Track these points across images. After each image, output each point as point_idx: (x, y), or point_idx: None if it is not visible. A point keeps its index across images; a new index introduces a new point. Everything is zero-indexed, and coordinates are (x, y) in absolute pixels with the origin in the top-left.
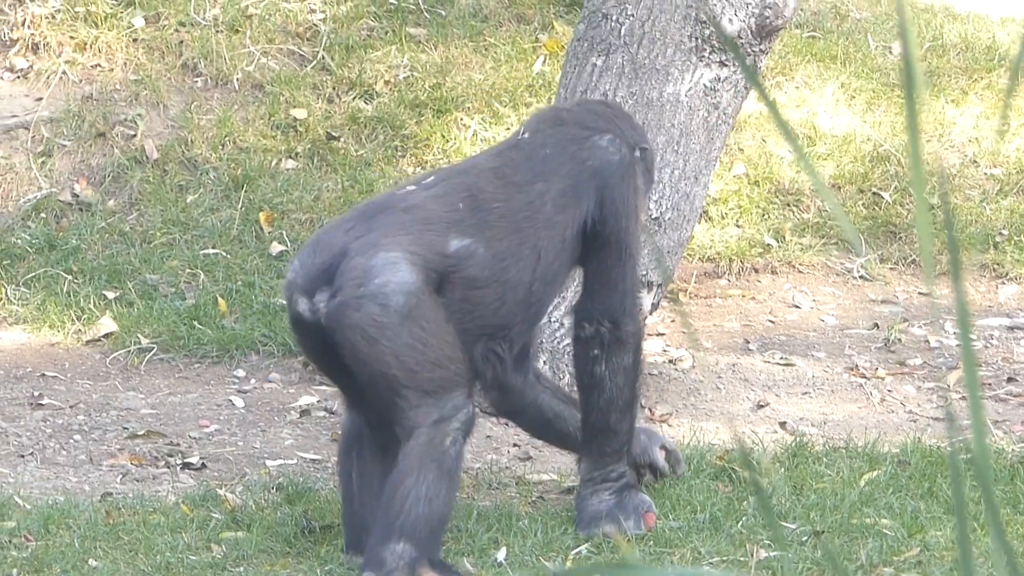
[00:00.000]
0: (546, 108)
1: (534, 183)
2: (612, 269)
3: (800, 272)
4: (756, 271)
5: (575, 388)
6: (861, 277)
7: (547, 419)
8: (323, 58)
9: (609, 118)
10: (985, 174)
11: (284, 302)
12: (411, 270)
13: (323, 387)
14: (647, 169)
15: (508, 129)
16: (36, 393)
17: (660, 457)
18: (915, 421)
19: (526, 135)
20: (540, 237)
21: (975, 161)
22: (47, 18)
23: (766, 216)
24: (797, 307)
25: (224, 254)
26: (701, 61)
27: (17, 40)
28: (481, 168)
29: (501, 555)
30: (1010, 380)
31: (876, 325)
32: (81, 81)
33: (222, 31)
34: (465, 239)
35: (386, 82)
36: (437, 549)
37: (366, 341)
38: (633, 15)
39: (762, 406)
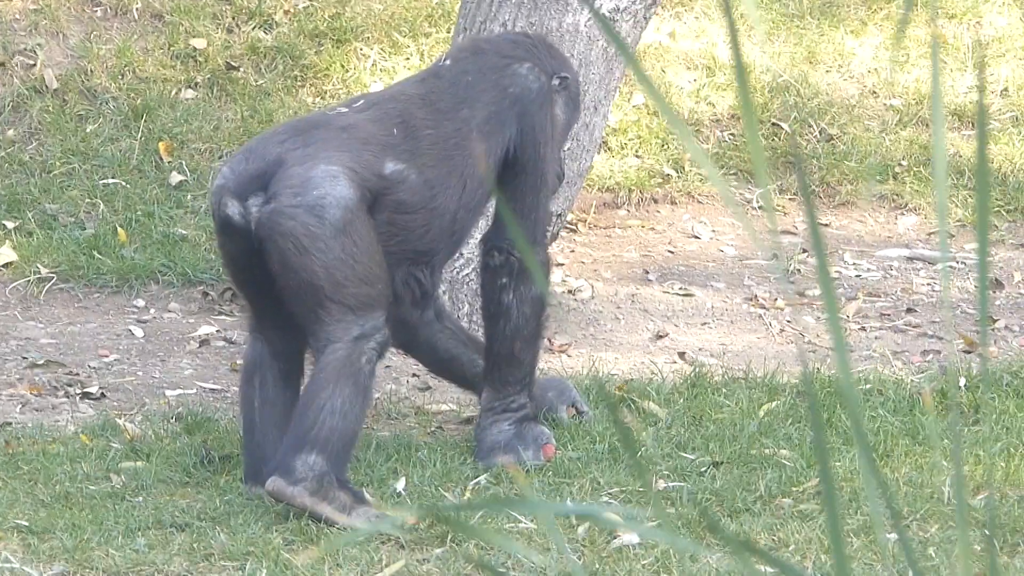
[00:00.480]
0: (465, 39)
1: (459, 109)
2: (526, 197)
3: (699, 203)
4: (655, 201)
5: (475, 320)
6: (760, 208)
7: (442, 360)
8: None
9: (528, 47)
10: (884, 105)
11: (211, 206)
12: (349, 185)
13: (223, 317)
14: (571, 98)
15: (408, 59)
16: None
17: (566, 415)
18: (814, 352)
19: (447, 62)
20: (467, 165)
21: (874, 92)
22: None
23: (665, 146)
24: (696, 237)
25: (124, 184)
26: None
27: None
28: (409, 95)
29: (400, 485)
30: (909, 311)
31: (775, 256)
32: None
33: None
34: (399, 163)
35: (286, 12)
36: (345, 466)
37: (298, 250)
38: None
39: (661, 336)
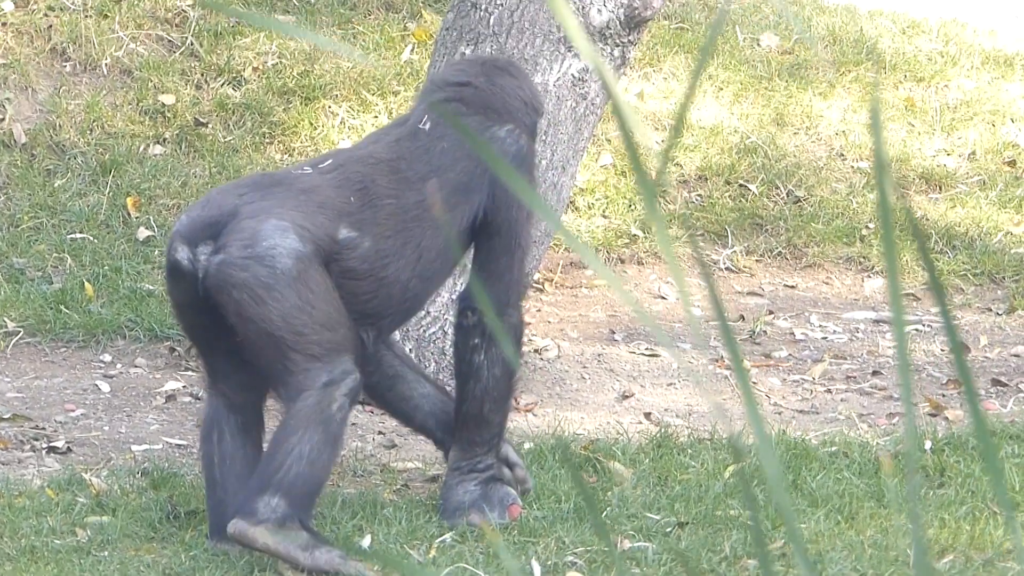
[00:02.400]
0: (450, 86)
1: (426, 179)
2: (499, 258)
3: (666, 263)
4: (622, 261)
5: (442, 377)
6: (727, 269)
7: (388, 376)
8: (192, 44)
9: (513, 93)
10: (852, 167)
11: (166, 253)
12: (299, 239)
13: (189, 373)
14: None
15: (376, 117)
16: None
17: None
18: (780, 413)
19: (427, 126)
20: (425, 236)
21: (842, 154)
22: None
23: (632, 207)
24: (663, 298)
25: (91, 239)
26: (570, 51)
27: None
28: (377, 159)
29: (365, 542)
30: (875, 373)
31: (742, 317)
32: None
33: (91, 16)
34: (353, 231)
35: (254, 69)
36: (310, 513)
37: (253, 301)
38: (502, 5)
39: (627, 396)
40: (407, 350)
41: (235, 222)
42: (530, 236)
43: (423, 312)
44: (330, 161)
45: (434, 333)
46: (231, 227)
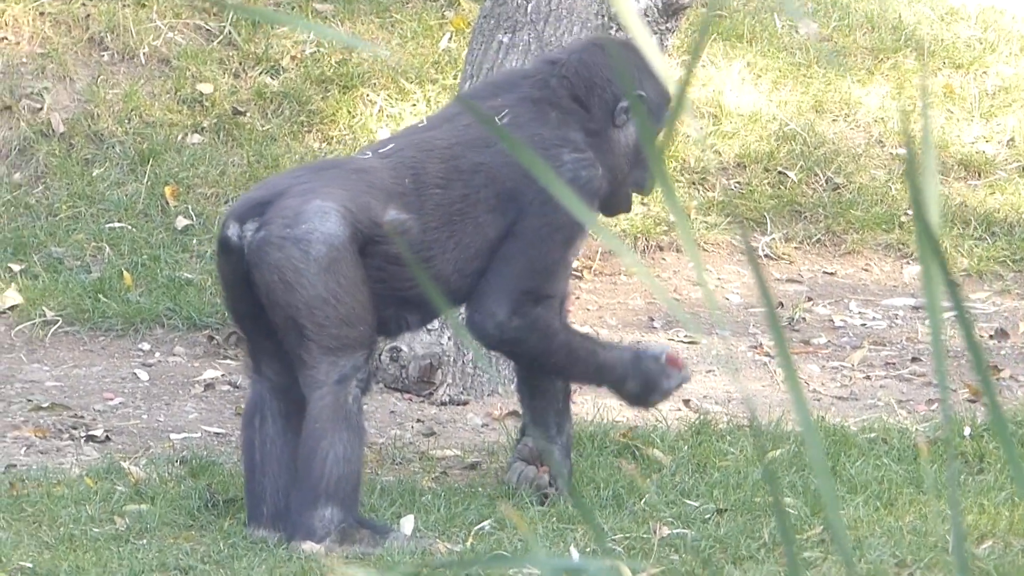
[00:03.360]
0: (544, 71)
1: (477, 172)
2: (513, 261)
3: (705, 250)
4: (661, 249)
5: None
6: (766, 255)
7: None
8: (229, 33)
9: (603, 114)
10: (891, 154)
11: (218, 230)
12: (340, 223)
13: (228, 361)
14: (649, 112)
15: (414, 106)
16: None
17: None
18: (819, 400)
19: (506, 118)
20: (466, 233)
21: (881, 141)
22: None
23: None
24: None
25: (129, 228)
26: (622, 26)
27: None
28: (436, 146)
29: (408, 524)
30: (914, 360)
31: (781, 304)
32: None
33: (129, 5)
34: (403, 213)
35: (292, 57)
36: (357, 505)
37: (283, 284)
38: None
39: None
40: (446, 338)
41: (281, 200)
42: (558, 256)
43: None
44: (391, 145)
45: None
46: (276, 205)
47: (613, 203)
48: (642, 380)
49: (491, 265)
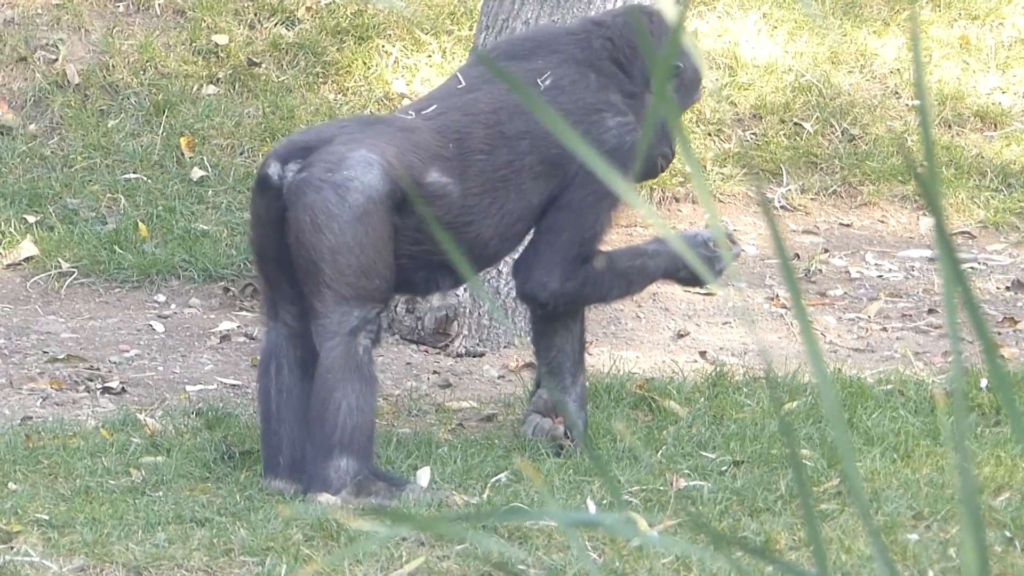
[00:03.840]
0: (588, 31)
1: (522, 138)
2: (562, 232)
3: (721, 202)
4: (677, 200)
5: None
6: (782, 207)
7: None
8: None
9: (641, 78)
10: (907, 105)
11: (257, 169)
12: (381, 177)
13: (244, 313)
14: (682, 84)
15: (430, 56)
16: None
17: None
18: (835, 352)
19: (548, 81)
20: (509, 199)
21: (897, 92)
22: None
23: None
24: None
25: (145, 179)
26: None
27: None
28: (480, 110)
29: (424, 476)
30: (931, 312)
31: (797, 255)
32: (3, 5)
33: None
34: (444, 176)
35: (308, 8)
36: (372, 457)
37: (313, 226)
38: None
39: (682, 335)
40: (462, 290)
41: (328, 146)
42: (605, 221)
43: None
44: (434, 107)
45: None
46: (322, 150)
47: (643, 170)
48: (692, 269)
49: (539, 234)
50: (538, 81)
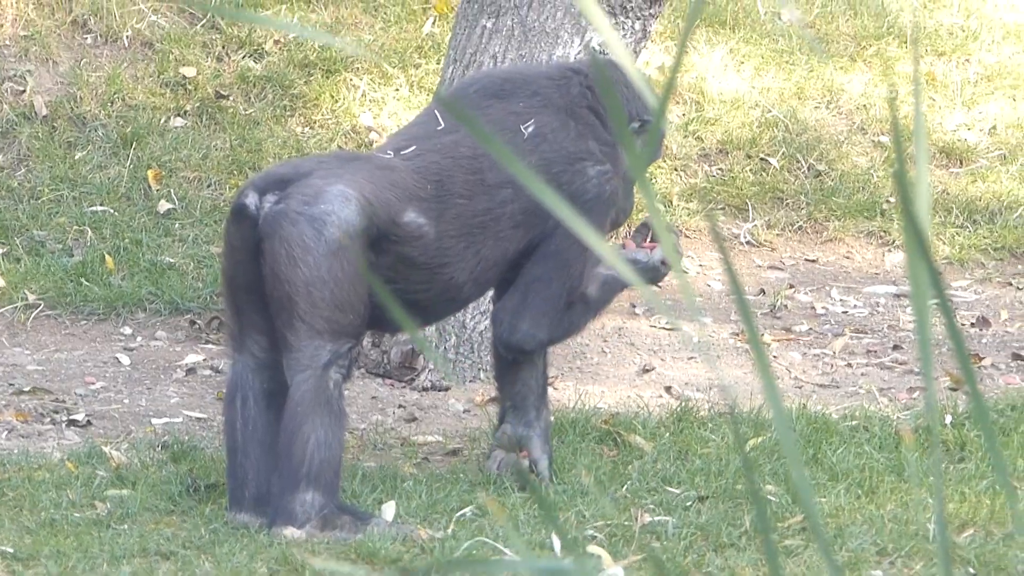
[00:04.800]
0: (567, 77)
1: (503, 187)
2: (551, 283)
3: (687, 237)
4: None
5: (461, 351)
6: (748, 243)
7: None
8: (213, 16)
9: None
10: (873, 141)
11: (234, 199)
12: (358, 212)
13: (210, 346)
14: (644, 139)
15: (397, 90)
16: None
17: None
18: (800, 387)
19: (531, 128)
20: (486, 245)
21: (863, 128)
22: None
23: (653, 180)
24: (683, 271)
25: (112, 211)
26: (591, 25)
27: None
28: (460, 154)
29: (389, 510)
30: (896, 348)
31: (763, 291)
32: None
33: None
34: (421, 217)
35: (276, 41)
36: (338, 491)
37: (289, 259)
38: None
39: (648, 370)
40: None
41: (306, 179)
42: (589, 267)
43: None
44: (413, 147)
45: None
46: (301, 182)
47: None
48: (644, 280)
49: (525, 284)
50: (521, 128)
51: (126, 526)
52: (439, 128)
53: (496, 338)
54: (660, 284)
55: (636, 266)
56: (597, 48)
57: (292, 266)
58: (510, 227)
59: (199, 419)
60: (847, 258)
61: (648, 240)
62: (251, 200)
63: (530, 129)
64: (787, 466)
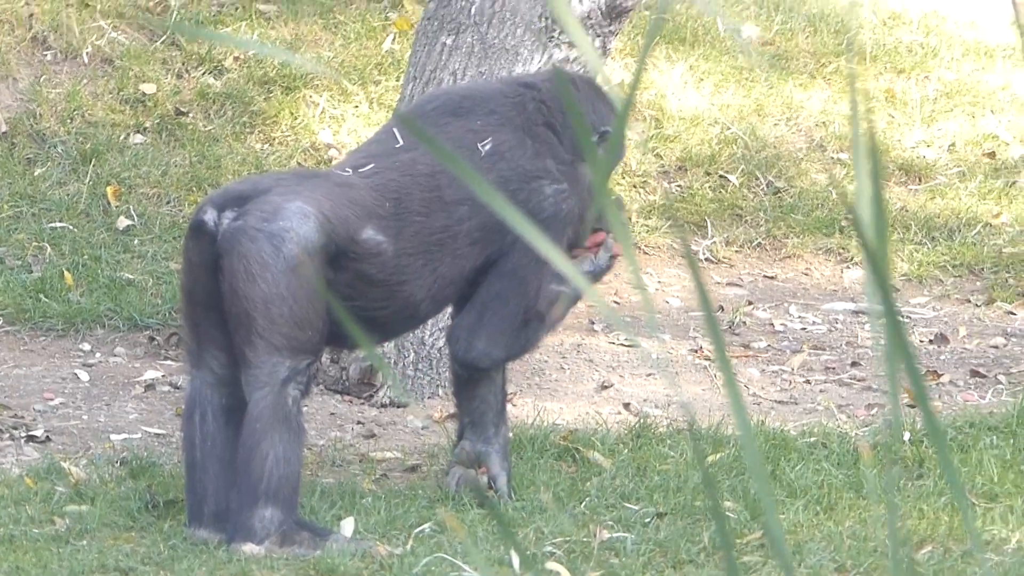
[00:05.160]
0: (521, 94)
1: (461, 205)
2: (509, 302)
3: (646, 254)
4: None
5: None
6: (707, 259)
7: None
8: (173, 34)
9: (572, 144)
10: (832, 158)
11: (192, 216)
12: (317, 229)
13: (169, 362)
14: (606, 148)
15: (356, 107)
16: None
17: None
18: (759, 404)
19: (488, 146)
20: (444, 263)
21: (822, 145)
22: None
23: (612, 197)
24: (643, 288)
25: (71, 228)
26: (551, 41)
27: None
28: (418, 172)
29: (348, 526)
30: (854, 364)
31: (721, 308)
32: None
33: (72, 5)
34: (380, 235)
35: (235, 58)
36: (297, 507)
37: (247, 275)
38: None
39: (606, 387)
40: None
41: (265, 195)
42: (547, 285)
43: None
44: (372, 165)
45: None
46: (260, 199)
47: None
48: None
49: (481, 302)
50: (479, 146)
51: (85, 542)
52: (397, 146)
53: (452, 356)
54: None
55: (587, 275)
56: (558, 65)
57: (251, 282)
58: (467, 244)
59: (158, 435)
60: (806, 275)
61: (593, 234)
62: (210, 216)
63: (487, 147)
64: (746, 482)
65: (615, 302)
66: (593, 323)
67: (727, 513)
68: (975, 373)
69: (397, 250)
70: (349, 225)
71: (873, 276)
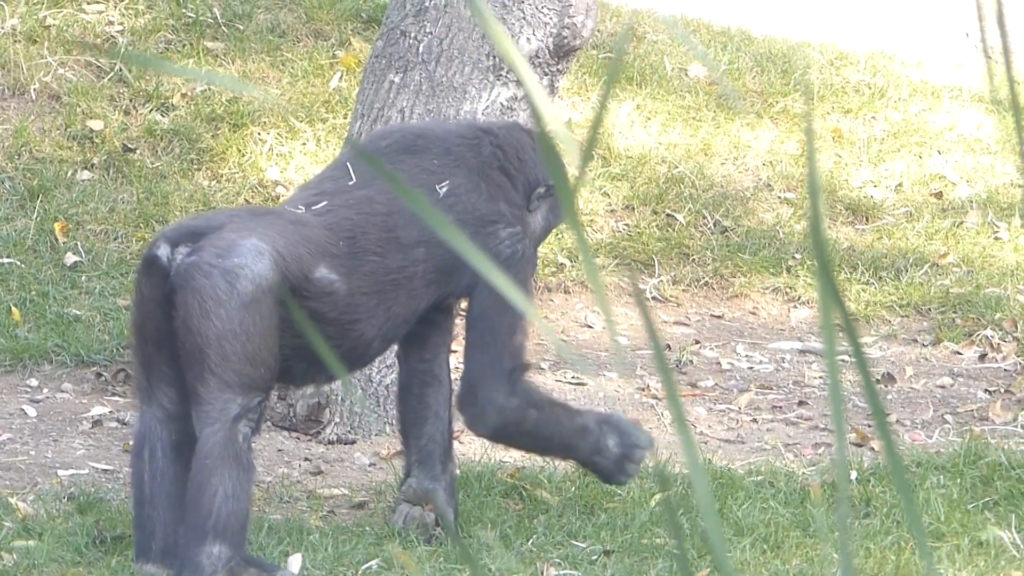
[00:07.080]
0: (478, 137)
1: (417, 246)
2: (498, 337)
3: (593, 292)
4: (549, 290)
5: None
6: (654, 298)
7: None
8: (120, 70)
9: (524, 190)
10: (779, 198)
11: (145, 251)
12: (271, 266)
13: (116, 398)
14: (555, 203)
15: (304, 144)
16: None
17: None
18: (706, 443)
19: (444, 188)
20: (398, 302)
21: (769, 185)
22: None
23: (559, 235)
24: (590, 327)
25: (18, 263)
26: (499, 80)
27: None
28: (375, 211)
29: (295, 563)
30: (801, 404)
31: (668, 346)
32: None
33: (20, 41)
34: (333, 273)
35: (183, 95)
36: (245, 544)
37: (201, 311)
38: (431, 33)
39: None
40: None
41: (219, 232)
42: (521, 325)
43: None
44: (325, 203)
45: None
46: (214, 235)
47: None
48: (617, 433)
49: (466, 361)
50: (436, 188)
51: None
52: (351, 183)
53: (470, 426)
54: (627, 469)
55: (611, 415)
56: (505, 104)
57: (204, 319)
58: (423, 285)
59: (105, 471)
60: (753, 314)
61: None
62: (163, 252)
63: (444, 189)
64: (693, 520)
65: (562, 340)
66: (541, 361)
67: (673, 551)
68: (922, 413)
69: (350, 289)
70: (303, 263)
71: (825, 314)
